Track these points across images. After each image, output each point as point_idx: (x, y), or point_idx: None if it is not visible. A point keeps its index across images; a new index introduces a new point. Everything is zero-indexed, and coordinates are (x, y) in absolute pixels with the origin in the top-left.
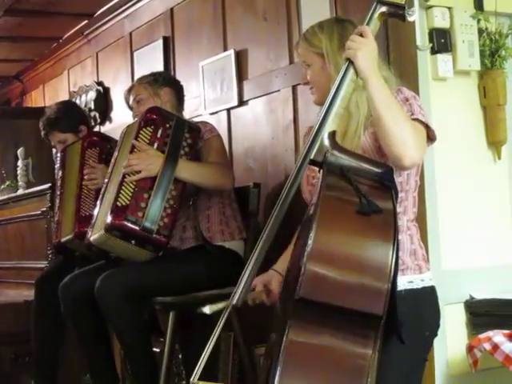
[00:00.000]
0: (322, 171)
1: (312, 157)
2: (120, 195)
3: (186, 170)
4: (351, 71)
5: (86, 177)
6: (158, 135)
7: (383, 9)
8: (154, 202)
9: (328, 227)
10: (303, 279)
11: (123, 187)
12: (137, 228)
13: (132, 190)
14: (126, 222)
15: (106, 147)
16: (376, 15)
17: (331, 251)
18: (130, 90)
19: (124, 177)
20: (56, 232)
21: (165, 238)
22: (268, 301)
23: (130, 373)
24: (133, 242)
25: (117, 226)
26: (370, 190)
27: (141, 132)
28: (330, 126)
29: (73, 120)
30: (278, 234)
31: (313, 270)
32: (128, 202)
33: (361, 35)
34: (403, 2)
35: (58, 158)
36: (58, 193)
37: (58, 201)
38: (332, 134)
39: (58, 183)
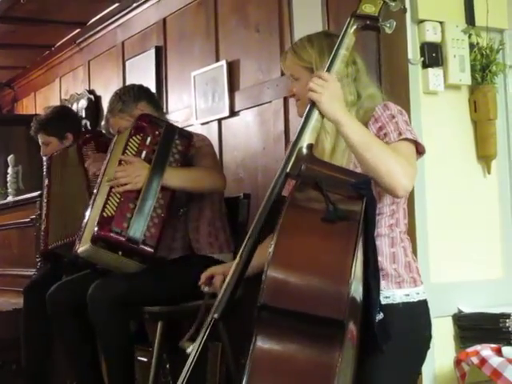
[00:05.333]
0: (295, 183)
1: (288, 170)
2: (106, 206)
3: (174, 178)
4: (316, 112)
5: (87, 166)
6: (147, 143)
7: (358, 22)
8: (140, 212)
9: (290, 234)
10: (264, 286)
11: (110, 198)
12: (122, 239)
13: (118, 201)
14: (111, 234)
15: (99, 140)
16: (351, 30)
17: (292, 258)
18: (107, 122)
19: (111, 189)
20: (43, 239)
21: (151, 248)
22: (208, 289)
23: (108, 381)
24: (120, 253)
25: (102, 237)
26: (340, 198)
27: (130, 140)
28: (307, 140)
29: (61, 126)
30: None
31: (273, 277)
32: (113, 213)
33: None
34: (376, 14)
35: (44, 166)
36: (45, 201)
37: (44, 209)
38: (309, 147)
39: (45, 191)
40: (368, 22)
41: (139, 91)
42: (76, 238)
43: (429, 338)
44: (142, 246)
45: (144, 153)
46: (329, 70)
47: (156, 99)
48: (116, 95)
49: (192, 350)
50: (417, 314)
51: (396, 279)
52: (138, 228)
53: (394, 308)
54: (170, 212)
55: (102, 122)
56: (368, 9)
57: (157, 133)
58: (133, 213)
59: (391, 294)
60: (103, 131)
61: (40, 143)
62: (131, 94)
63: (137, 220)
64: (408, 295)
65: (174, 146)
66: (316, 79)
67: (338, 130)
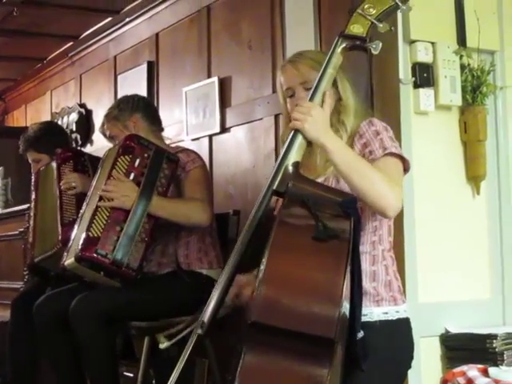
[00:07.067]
0: (283, 200)
1: (275, 187)
2: (93, 224)
3: (160, 209)
4: (299, 138)
5: (62, 184)
6: (136, 165)
7: (345, 42)
8: (126, 236)
9: (281, 252)
10: (255, 303)
11: (97, 215)
12: (106, 261)
13: (105, 222)
14: (95, 255)
15: (79, 159)
16: (339, 50)
17: (283, 276)
18: (103, 126)
19: (99, 200)
20: (29, 253)
21: (134, 271)
22: (233, 303)
23: None
24: (101, 273)
25: (86, 258)
26: (328, 217)
27: (119, 160)
28: (293, 157)
29: (50, 142)
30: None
31: (264, 295)
32: (100, 234)
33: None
34: (364, 35)
35: (32, 180)
36: (32, 215)
37: (31, 222)
38: (295, 165)
39: (32, 205)
40: (355, 43)
41: (138, 103)
42: (54, 251)
43: (409, 357)
44: (125, 269)
45: (132, 175)
46: (312, 96)
47: (153, 114)
48: (116, 101)
49: (165, 346)
50: (396, 333)
51: (375, 298)
52: (123, 251)
53: (371, 326)
54: (153, 236)
55: (99, 126)
56: (356, 29)
57: (146, 155)
58: (119, 236)
59: (369, 311)
60: (83, 152)
61: (30, 161)
62: (130, 104)
63: (123, 243)
64: (386, 313)
65: (161, 170)
66: (298, 107)
67: (325, 154)
